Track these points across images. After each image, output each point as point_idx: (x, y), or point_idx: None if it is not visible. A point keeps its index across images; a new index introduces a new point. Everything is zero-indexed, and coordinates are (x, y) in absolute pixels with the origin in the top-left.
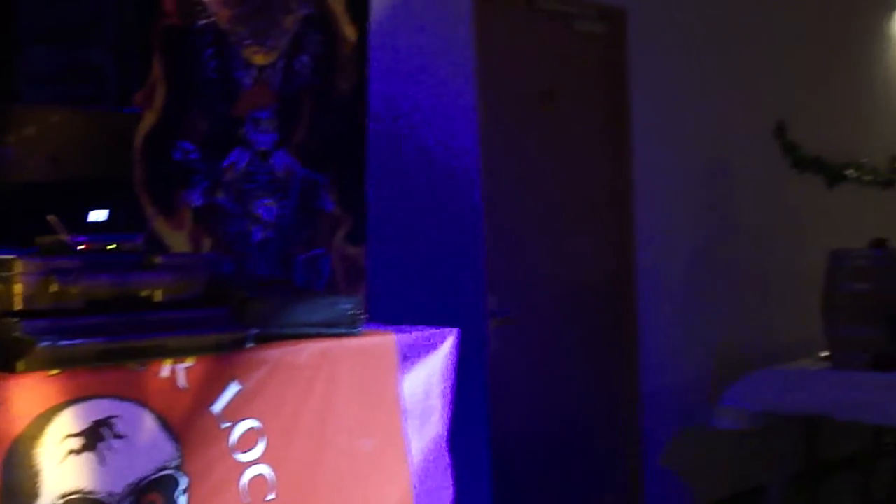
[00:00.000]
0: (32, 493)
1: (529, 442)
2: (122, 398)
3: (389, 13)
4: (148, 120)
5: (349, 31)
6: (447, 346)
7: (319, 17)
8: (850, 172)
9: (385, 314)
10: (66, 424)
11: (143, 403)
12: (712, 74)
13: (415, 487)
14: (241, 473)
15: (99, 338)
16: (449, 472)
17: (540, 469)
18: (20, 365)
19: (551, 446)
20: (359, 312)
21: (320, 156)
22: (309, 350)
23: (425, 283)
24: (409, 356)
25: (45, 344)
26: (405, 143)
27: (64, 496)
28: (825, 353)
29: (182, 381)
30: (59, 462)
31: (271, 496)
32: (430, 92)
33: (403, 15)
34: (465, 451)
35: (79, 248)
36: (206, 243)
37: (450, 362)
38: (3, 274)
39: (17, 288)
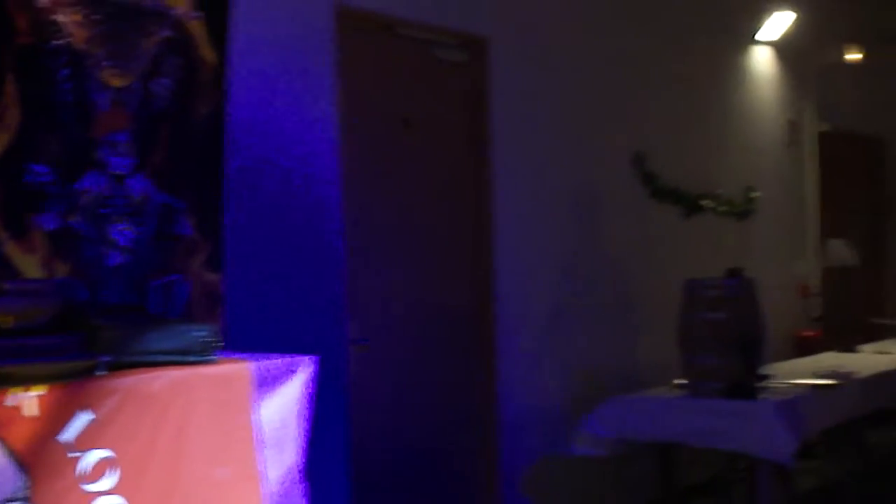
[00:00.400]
0: None
1: (389, 470)
2: None
3: (250, 37)
4: (0, 141)
5: (209, 55)
6: (304, 373)
7: (179, 40)
8: (706, 203)
9: (244, 341)
10: None
11: None
12: (574, 104)
13: None
14: None
15: None
16: (304, 500)
17: (399, 497)
18: None
19: (411, 474)
20: (213, 340)
21: (178, 180)
22: (162, 378)
23: (284, 310)
24: (265, 384)
25: None
26: (265, 168)
27: None
28: (681, 381)
29: (31, 409)
30: None
31: None
32: (291, 116)
33: (264, 39)
34: (324, 480)
35: None
36: (60, 268)
37: (307, 390)
38: None
39: None
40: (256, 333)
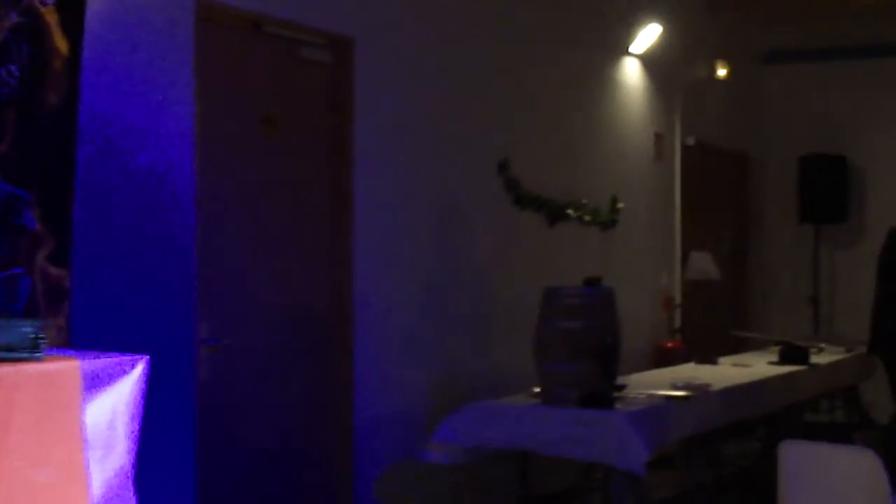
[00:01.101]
0: None
1: (240, 474)
2: None
3: (107, 29)
4: None
5: (62, 44)
6: (136, 373)
7: (30, 27)
8: (571, 211)
9: (90, 339)
10: None
11: None
12: (440, 108)
13: None
14: None
15: None
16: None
17: (250, 500)
18: None
19: (263, 478)
20: (41, 336)
21: (24, 171)
22: None
23: (133, 308)
24: (95, 384)
25: None
26: (117, 162)
27: None
28: (538, 389)
29: None
30: None
31: None
32: (146, 111)
33: (122, 32)
34: (170, 484)
35: None
36: None
37: (139, 390)
38: None
39: None
40: (104, 331)
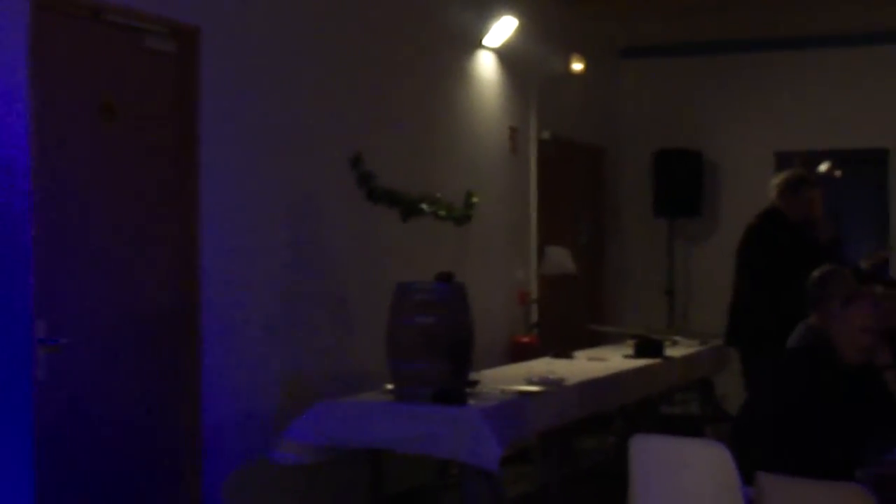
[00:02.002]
0: None
1: (82, 477)
2: None
3: None
4: None
5: None
6: None
7: None
8: (424, 207)
9: None
10: None
11: None
12: (291, 100)
13: None
14: None
15: None
16: None
17: None
18: None
19: (105, 481)
20: None
21: None
22: None
23: None
24: None
25: None
26: None
27: None
28: (390, 386)
29: None
30: None
31: None
32: None
33: None
34: (5, 488)
35: None
36: None
37: None
38: None
39: None
40: None
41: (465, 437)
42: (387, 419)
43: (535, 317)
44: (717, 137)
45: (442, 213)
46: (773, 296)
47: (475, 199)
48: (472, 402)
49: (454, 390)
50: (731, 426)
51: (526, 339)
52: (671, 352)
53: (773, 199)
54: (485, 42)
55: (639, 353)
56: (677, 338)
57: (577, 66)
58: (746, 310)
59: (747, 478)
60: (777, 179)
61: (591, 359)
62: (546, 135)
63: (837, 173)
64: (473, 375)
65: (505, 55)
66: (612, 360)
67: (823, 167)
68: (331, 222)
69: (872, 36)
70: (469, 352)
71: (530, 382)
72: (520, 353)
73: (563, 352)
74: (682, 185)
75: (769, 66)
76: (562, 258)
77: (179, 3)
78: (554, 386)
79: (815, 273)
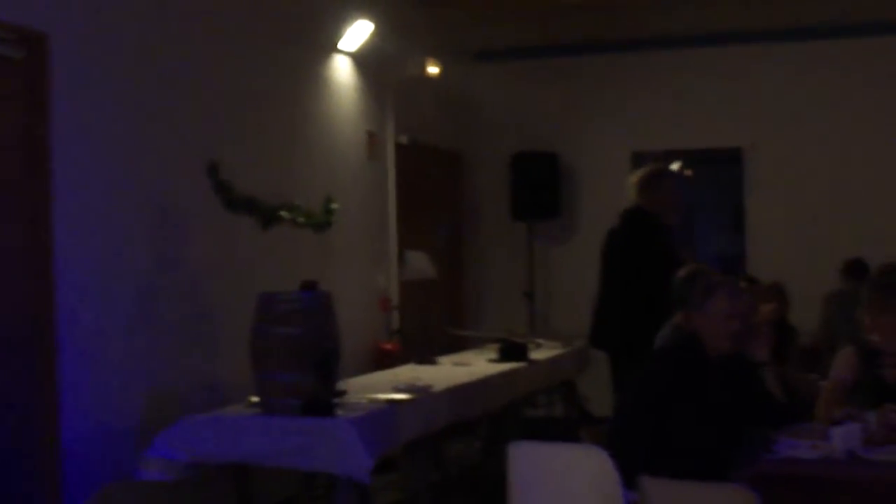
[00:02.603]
0: None
1: None
2: None
3: None
4: None
5: None
6: None
7: None
8: (284, 214)
9: None
10: None
11: None
12: (145, 107)
13: None
14: None
15: None
16: None
17: None
18: None
19: None
20: None
21: None
22: None
23: None
24: None
25: None
26: None
27: None
28: (255, 399)
29: None
30: None
31: None
32: None
33: None
34: None
35: None
36: None
37: None
38: None
39: None
40: None
41: (336, 448)
42: (254, 433)
43: (396, 323)
44: (574, 139)
45: (301, 220)
46: (643, 296)
47: (334, 206)
48: (340, 412)
49: (323, 401)
50: (607, 430)
51: (388, 346)
52: (534, 355)
53: (632, 197)
54: (340, 46)
55: (503, 357)
56: (540, 340)
57: (433, 70)
58: (615, 311)
59: (628, 482)
60: (634, 177)
61: (456, 364)
62: (404, 139)
63: (688, 172)
64: (341, 385)
65: (361, 59)
66: (477, 364)
67: (674, 167)
68: (191, 231)
69: (725, 36)
70: (336, 362)
71: (398, 390)
72: (383, 360)
73: (428, 358)
74: (540, 187)
75: (624, 68)
76: (422, 263)
77: (28, 10)
78: (422, 393)
79: (681, 272)
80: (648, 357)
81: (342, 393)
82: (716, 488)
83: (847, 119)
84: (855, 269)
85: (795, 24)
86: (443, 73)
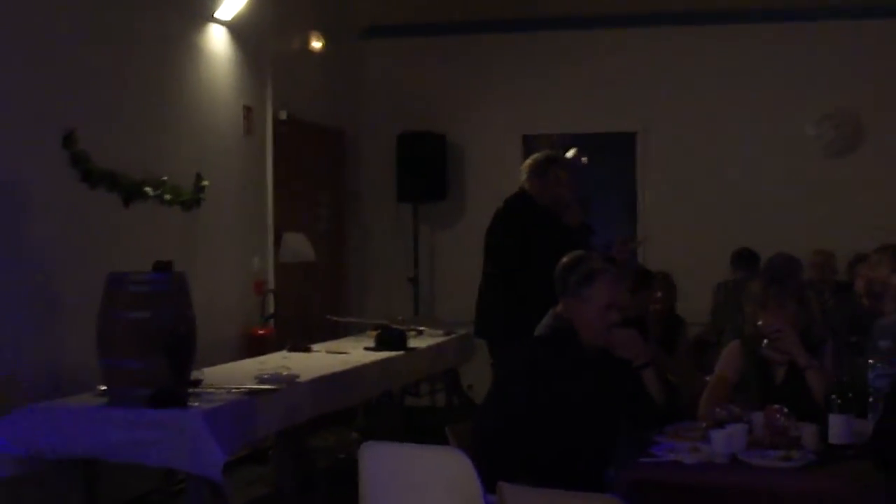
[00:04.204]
0: None
1: None
2: None
3: None
4: None
5: None
6: None
7: None
8: (148, 190)
9: None
10: None
11: None
12: None
13: None
14: None
15: None
16: None
17: None
18: None
19: None
20: None
21: None
22: None
23: None
24: None
25: None
26: None
27: None
28: (103, 388)
29: None
30: None
31: None
32: None
33: None
34: None
35: None
36: None
37: None
38: None
39: None
40: None
41: (186, 443)
42: (99, 425)
43: (271, 307)
44: (463, 120)
45: (168, 197)
46: (523, 283)
47: (205, 183)
48: (194, 403)
49: (173, 392)
50: (471, 428)
51: (262, 332)
52: (415, 342)
53: (522, 182)
54: (217, 15)
55: (380, 345)
56: (422, 328)
57: (317, 44)
58: (495, 299)
59: (490, 486)
60: (526, 162)
61: (330, 352)
62: (283, 115)
63: (584, 160)
64: (196, 374)
65: (238, 30)
66: (353, 352)
67: (570, 153)
68: (39, 206)
69: (618, 18)
70: (190, 349)
71: (261, 380)
72: (255, 346)
73: (301, 345)
74: (427, 168)
75: (516, 48)
76: (300, 245)
77: None
78: (286, 383)
79: (563, 259)
80: (518, 348)
81: (197, 383)
82: (585, 498)
83: (743, 104)
84: (745, 258)
85: (689, 6)
86: (327, 47)
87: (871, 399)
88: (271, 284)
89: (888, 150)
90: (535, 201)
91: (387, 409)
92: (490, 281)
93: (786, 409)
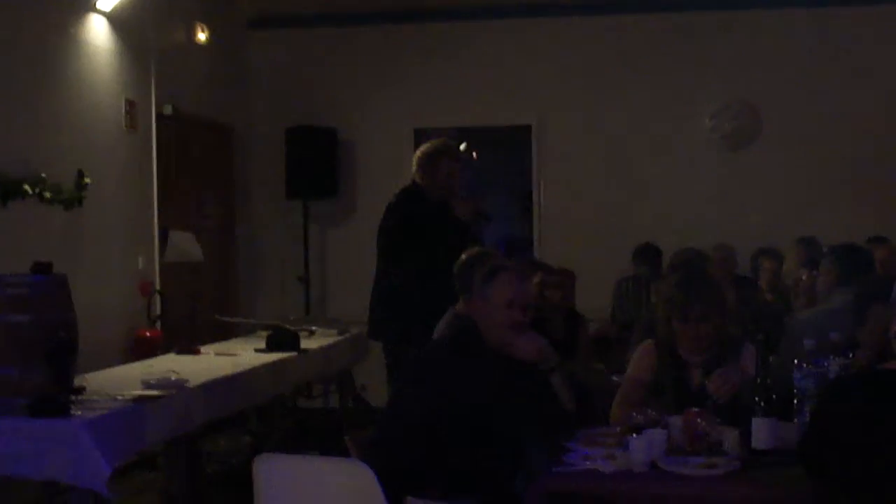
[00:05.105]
0: None
1: None
2: None
3: None
4: None
5: None
6: None
7: None
8: (27, 188)
9: None
10: None
11: None
12: None
13: None
14: None
15: None
16: None
17: None
18: None
19: None
20: None
21: None
22: None
23: None
24: None
25: None
26: None
27: None
28: None
29: None
30: None
31: None
32: None
33: None
34: None
35: None
36: None
37: None
38: None
39: None
40: None
41: (68, 454)
42: None
43: (158, 309)
44: (353, 114)
45: (48, 195)
46: (416, 280)
47: (87, 180)
48: (77, 412)
49: (53, 400)
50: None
51: (148, 334)
52: (307, 343)
53: (413, 175)
54: (98, 5)
55: (272, 347)
56: (314, 328)
57: (202, 36)
58: (389, 298)
59: (396, 500)
60: (416, 154)
61: (219, 354)
62: (168, 109)
63: (474, 154)
64: (79, 381)
65: (119, 21)
66: (244, 354)
67: (462, 147)
68: None
69: (514, 8)
70: (72, 354)
71: (149, 386)
72: (142, 348)
73: (189, 347)
74: (317, 164)
75: (407, 40)
76: (187, 244)
77: None
78: (174, 389)
79: (463, 255)
80: (419, 351)
81: (80, 390)
82: None
83: (641, 95)
84: (647, 253)
85: None
86: (212, 39)
87: (795, 401)
88: (157, 285)
89: (787, 142)
90: (426, 194)
91: (280, 411)
92: (382, 279)
93: (705, 412)
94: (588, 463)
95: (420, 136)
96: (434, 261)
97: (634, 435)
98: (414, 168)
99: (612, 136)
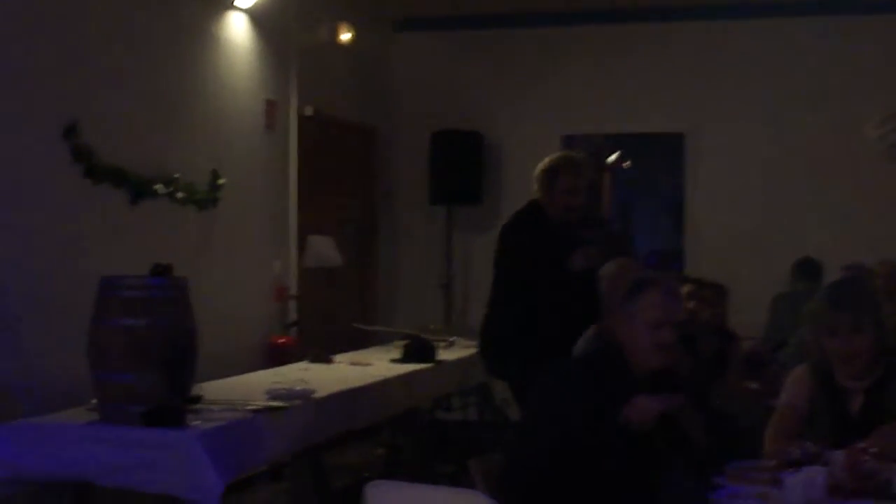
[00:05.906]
0: None
1: None
2: None
3: None
4: None
5: None
6: None
7: None
8: (159, 187)
9: None
10: None
11: None
12: None
13: None
14: None
15: None
16: None
17: None
18: None
19: None
20: None
21: None
22: None
23: None
24: None
25: None
26: None
27: None
28: (95, 401)
29: None
30: None
31: None
32: None
33: None
34: None
35: None
36: None
37: None
38: None
39: None
40: None
41: (181, 466)
42: (87, 444)
43: (293, 315)
44: (500, 119)
45: (181, 195)
46: (524, 308)
47: (222, 181)
48: (195, 422)
49: (169, 409)
50: (499, 466)
51: (283, 341)
52: (445, 354)
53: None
54: (236, 2)
55: (407, 357)
56: (454, 338)
57: (346, 36)
58: (497, 326)
59: None
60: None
61: (353, 363)
62: (309, 111)
63: (626, 164)
64: (197, 389)
65: (260, 18)
66: (378, 364)
67: (612, 158)
68: (34, 203)
69: (668, 11)
70: (190, 361)
71: (272, 396)
72: (276, 355)
73: (323, 356)
74: (462, 170)
75: (557, 43)
76: (326, 249)
77: None
78: (298, 400)
79: (606, 269)
80: (555, 368)
81: (197, 399)
82: None
83: (802, 103)
84: (806, 268)
85: None
86: (357, 40)
87: None
88: (294, 290)
89: None
90: (545, 213)
91: (415, 423)
92: (494, 304)
93: (873, 449)
94: (735, 502)
95: (569, 142)
96: (534, 285)
97: (790, 472)
98: (534, 185)
99: (770, 144)
